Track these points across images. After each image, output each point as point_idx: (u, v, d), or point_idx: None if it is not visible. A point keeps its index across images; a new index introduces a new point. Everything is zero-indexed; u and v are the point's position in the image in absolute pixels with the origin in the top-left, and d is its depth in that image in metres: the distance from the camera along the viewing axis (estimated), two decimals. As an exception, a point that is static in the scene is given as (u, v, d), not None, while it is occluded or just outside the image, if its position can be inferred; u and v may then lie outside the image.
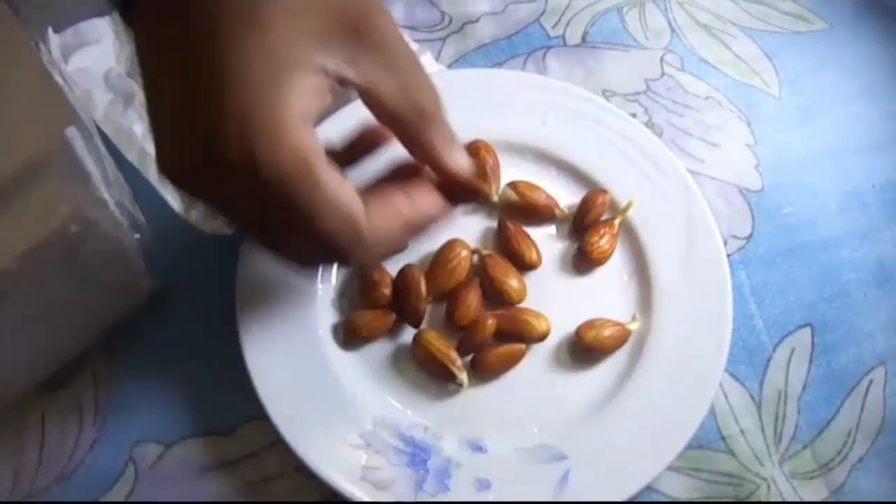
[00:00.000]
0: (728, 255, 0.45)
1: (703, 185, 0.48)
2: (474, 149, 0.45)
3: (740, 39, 0.55)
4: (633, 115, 0.50)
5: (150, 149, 0.45)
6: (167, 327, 0.44)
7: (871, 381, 0.46)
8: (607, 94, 0.51)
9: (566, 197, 0.46)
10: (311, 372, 0.41)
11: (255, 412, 0.41)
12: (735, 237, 0.48)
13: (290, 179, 0.26)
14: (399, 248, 0.41)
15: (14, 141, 0.35)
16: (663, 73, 0.52)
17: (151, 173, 0.44)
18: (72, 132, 0.36)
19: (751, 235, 0.48)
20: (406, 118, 0.31)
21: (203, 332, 0.44)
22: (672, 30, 0.54)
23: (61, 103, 0.36)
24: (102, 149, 0.43)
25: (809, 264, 0.48)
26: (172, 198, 0.43)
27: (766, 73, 0.53)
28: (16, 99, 0.36)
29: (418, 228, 0.33)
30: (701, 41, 0.54)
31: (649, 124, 0.50)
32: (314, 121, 0.27)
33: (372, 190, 0.32)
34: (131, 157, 0.45)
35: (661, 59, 0.53)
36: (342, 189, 0.28)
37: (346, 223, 0.28)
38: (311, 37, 0.27)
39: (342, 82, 0.29)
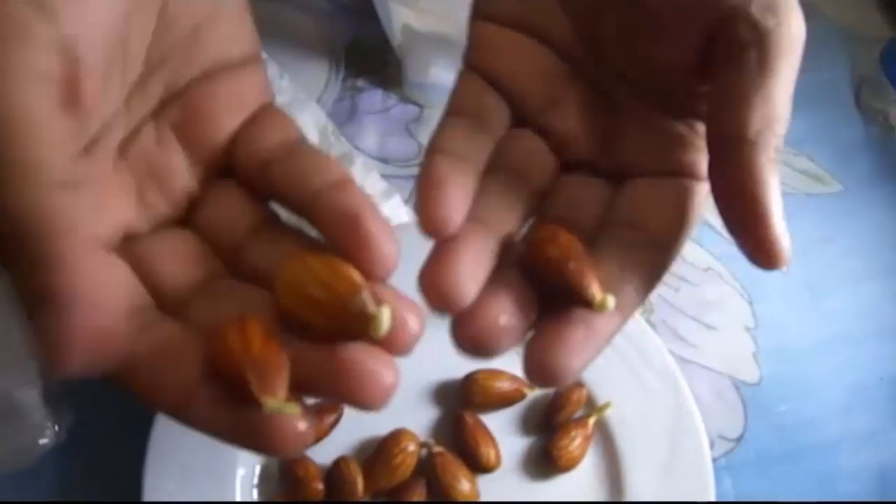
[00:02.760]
0: (714, 460, 0.38)
1: (693, 375, 0.40)
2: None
3: (749, 201, 0.47)
4: (623, 285, 0.43)
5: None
6: (65, 491, 0.36)
7: None
8: (597, 257, 0.44)
9: (537, 381, 0.38)
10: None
11: None
12: (723, 438, 0.40)
13: None
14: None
15: None
16: (661, 237, 0.45)
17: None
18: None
19: (741, 436, 0.40)
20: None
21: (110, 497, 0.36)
22: (675, 186, 0.47)
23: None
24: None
25: (803, 472, 0.40)
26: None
27: (773, 243, 0.46)
28: None
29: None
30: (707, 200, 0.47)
31: (640, 298, 0.43)
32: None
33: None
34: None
35: (661, 220, 0.46)
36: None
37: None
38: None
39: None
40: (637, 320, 0.40)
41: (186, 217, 0.23)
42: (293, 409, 0.18)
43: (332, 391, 0.19)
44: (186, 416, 0.19)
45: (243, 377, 0.18)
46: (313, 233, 0.22)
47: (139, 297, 0.20)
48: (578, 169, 0.25)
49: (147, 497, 0.33)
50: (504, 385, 0.37)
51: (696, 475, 0.37)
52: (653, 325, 0.41)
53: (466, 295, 0.20)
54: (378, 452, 0.35)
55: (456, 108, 0.25)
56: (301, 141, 0.23)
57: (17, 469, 0.34)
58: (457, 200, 0.21)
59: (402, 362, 0.40)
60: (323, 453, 0.35)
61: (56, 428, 0.34)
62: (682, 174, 0.24)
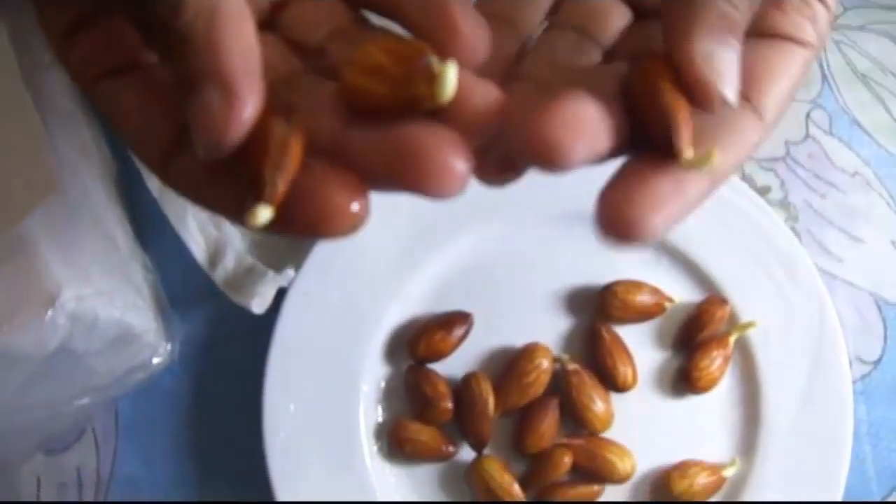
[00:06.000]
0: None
1: (835, 291, 0.36)
2: None
3: (902, 97, 0.40)
4: (768, 189, 0.37)
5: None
6: (180, 409, 0.33)
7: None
8: (738, 157, 0.38)
9: (676, 294, 0.34)
10: (344, 483, 0.31)
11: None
12: (860, 360, 0.36)
13: None
14: None
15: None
16: (807, 135, 0.39)
17: (171, 206, 0.32)
18: (60, 203, 0.24)
19: (879, 359, 0.36)
20: None
21: (221, 417, 0.33)
22: (824, 77, 0.40)
23: (45, 167, 0.24)
24: (111, 206, 0.31)
25: (939, 398, 0.37)
26: (198, 249, 0.32)
27: (926, 146, 0.40)
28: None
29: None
30: (856, 97, 0.39)
31: (784, 203, 0.37)
32: None
33: None
34: (151, 183, 0.33)
35: (808, 116, 0.39)
36: None
37: None
38: None
39: None
40: (783, 230, 0.34)
41: (269, 21, 0.20)
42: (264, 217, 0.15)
43: (393, 175, 0.15)
44: None
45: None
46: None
47: None
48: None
49: (267, 418, 0.30)
50: (645, 298, 0.33)
51: (835, 403, 0.33)
52: (797, 234, 0.36)
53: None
54: (510, 369, 0.32)
55: None
56: None
57: (135, 388, 0.31)
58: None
59: (533, 267, 0.35)
60: (452, 366, 0.32)
61: (168, 346, 0.30)
62: (779, 36, 0.19)
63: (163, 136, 0.17)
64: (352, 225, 0.15)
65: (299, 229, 0.16)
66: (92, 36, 0.17)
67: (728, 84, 0.17)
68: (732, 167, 0.18)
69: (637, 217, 0.16)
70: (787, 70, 0.19)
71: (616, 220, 0.16)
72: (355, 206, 0.15)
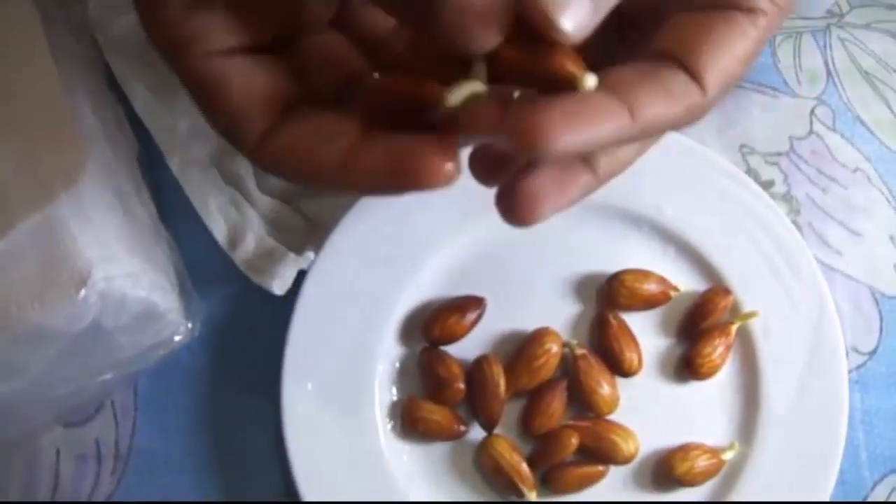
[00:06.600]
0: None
1: (834, 283, 0.37)
2: None
3: (904, 95, 0.41)
4: (772, 183, 0.38)
5: (195, 154, 0.33)
6: (197, 385, 0.34)
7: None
8: (745, 150, 0.39)
9: (681, 283, 0.35)
10: (358, 459, 0.32)
11: (289, 490, 0.32)
12: (856, 351, 0.37)
13: None
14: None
15: (8, 194, 0.24)
16: (811, 131, 0.39)
17: (192, 187, 0.33)
18: (87, 183, 0.25)
19: (874, 350, 0.37)
20: None
21: (238, 394, 0.34)
22: (829, 74, 0.40)
23: (73, 147, 0.24)
24: (135, 186, 0.32)
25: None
26: (218, 230, 0.32)
27: (926, 145, 0.41)
28: (18, 135, 0.24)
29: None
30: (859, 94, 0.40)
31: (787, 197, 0.38)
32: None
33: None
34: (172, 163, 0.33)
35: (812, 112, 0.40)
36: None
37: None
38: None
39: None
40: (785, 223, 0.35)
41: (337, 20, 0.21)
42: (478, 87, 0.17)
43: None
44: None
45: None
46: None
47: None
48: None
49: (286, 395, 0.31)
50: (651, 287, 0.34)
51: (831, 391, 0.34)
52: (799, 228, 0.37)
53: None
54: (521, 352, 0.32)
55: None
56: None
57: (155, 364, 0.32)
58: None
59: (544, 254, 0.36)
60: (464, 348, 0.33)
61: (189, 325, 0.31)
62: (726, 6, 0.18)
63: (269, 114, 0.18)
64: (446, 180, 0.17)
65: (399, 182, 0.17)
66: (216, 12, 0.18)
67: (566, 13, 0.16)
68: (663, 121, 0.17)
69: (544, 127, 0.16)
70: (732, 40, 0.18)
71: (526, 133, 0.16)
72: (450, 166, 0.17)
